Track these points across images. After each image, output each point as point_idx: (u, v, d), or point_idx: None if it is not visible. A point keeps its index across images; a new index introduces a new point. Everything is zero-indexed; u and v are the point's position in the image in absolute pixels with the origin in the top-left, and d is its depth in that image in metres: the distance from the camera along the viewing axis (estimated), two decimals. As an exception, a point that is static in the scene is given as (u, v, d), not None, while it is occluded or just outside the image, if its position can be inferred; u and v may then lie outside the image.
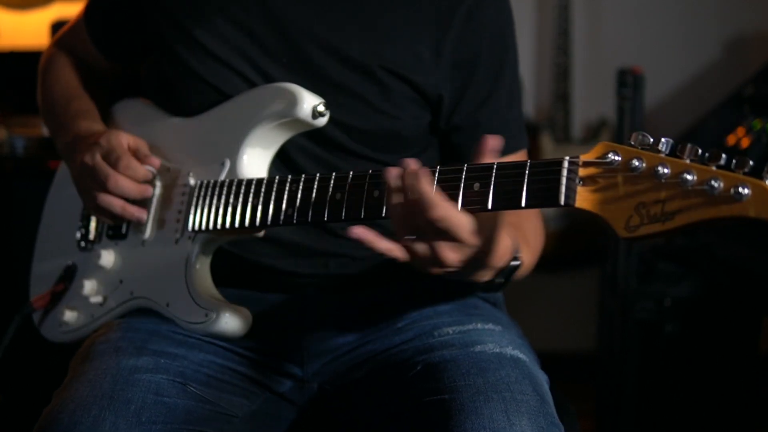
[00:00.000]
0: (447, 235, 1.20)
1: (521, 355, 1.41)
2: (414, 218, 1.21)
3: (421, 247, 1.22)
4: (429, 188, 1.19)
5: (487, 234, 1.23)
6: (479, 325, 1.48)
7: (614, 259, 2.70)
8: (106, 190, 1.51)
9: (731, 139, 2.60)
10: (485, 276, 1.31)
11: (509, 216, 1.39)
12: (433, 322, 1.52)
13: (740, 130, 2.58)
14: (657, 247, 2.90)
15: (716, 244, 2.70)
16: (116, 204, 1.52)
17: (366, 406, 1.50)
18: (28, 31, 3.14)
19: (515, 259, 1.35)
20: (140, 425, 1.33)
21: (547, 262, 3.34)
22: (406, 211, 1.22)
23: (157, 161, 1.54)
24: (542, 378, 1.42)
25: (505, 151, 1.57)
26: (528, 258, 1.45)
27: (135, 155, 1.54)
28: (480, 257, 1.25)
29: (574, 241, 3.36)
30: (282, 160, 1.52)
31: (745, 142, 2.55)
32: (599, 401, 2.90)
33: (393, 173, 1.23)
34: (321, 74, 1.51)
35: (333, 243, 1.56)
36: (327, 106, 1.45)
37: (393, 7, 1.52)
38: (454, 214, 1.19)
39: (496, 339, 1.44)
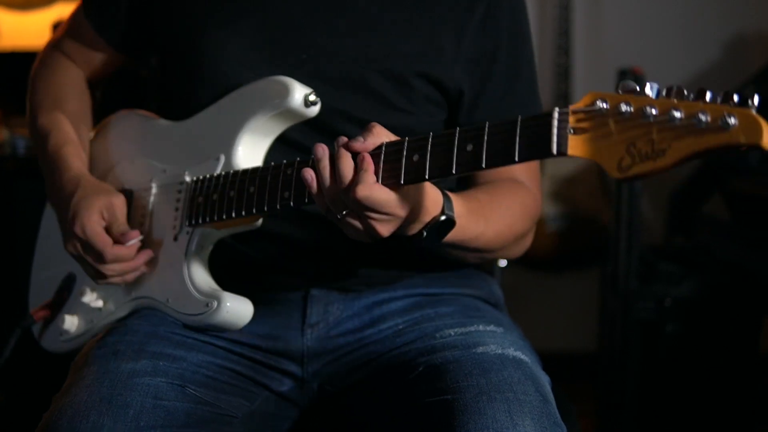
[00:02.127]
0: (374, 211, 1.25)
1: (523, 357, 1.41)
2: (341, 198, 1.27)
3: (353, 222, 1.28)
4: (349, 169, 1.25)
5: (414, 198, 1.28)
6: (481, 327, 1.48)
7: (615, 259, 2.71)
8: (104, 276, 1.51)
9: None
10: (413, 229, 1.32)
11: (478, 192, 1.44)
12: (434, 323, 1.52)
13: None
14: (658, 247, 2.91)
15: (716, 244, 2.71)
16: (128, 278, 1.53)
17: (367, 407, 1.50)
18: (30, 31, 3.15)
19: (443, 213, 1.34)
20: (139, 430, 1.33)
21: (547, 262, 3.39)
22: (332, 191, 1.27)
23: (136, 233, 1.52)
24: (544, 379, 1.43)
25: None
26: (478, 227, 1.44)
27: (113, 222, 1.52)
28: (409, 219, 1.29)
29: (574, 241, 3.36)
30: (288, 148, 1.53)
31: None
32: (600, 401, 2.90)
33: (320, 150, 1.28)
34: (337, 75, 1.52)
35: (336, 242, 1.56)
36: (318, 94, 1.46)
37: (411, 8, 1.53)
38: (376, 192, 1.24)
39: (498, 340, 1.44)
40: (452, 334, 1.47)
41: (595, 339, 3.10)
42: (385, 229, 1.28)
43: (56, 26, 2.81)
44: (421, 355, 1.44)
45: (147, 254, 1.53)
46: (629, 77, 2.62)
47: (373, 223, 1.27)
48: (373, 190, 1.24)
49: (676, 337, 2.65)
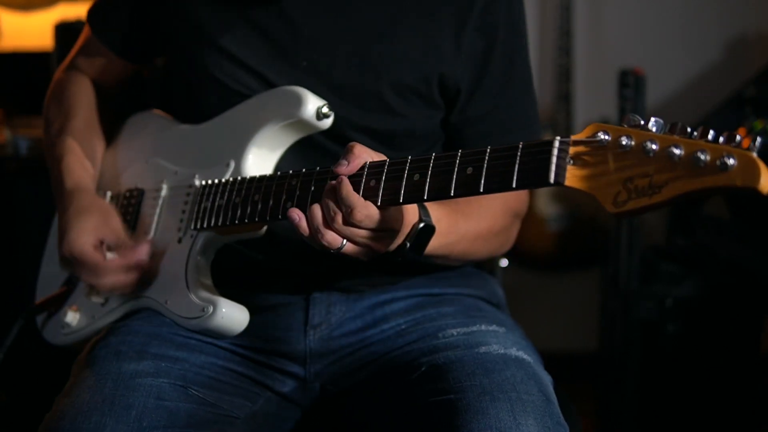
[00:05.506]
0: (372, 230, 1.27)
1: (526, 356, 1.42)
2: (338, 228, 1.27)
3: (353, 249, 1.30)
4: (352, 193, 1.26)
5: (396, 210, 1.29)
6: (483, 327, 1.49)
7: (616, 259, 2.71)
8: (105, 288, 1.52)
9: (732, 138, 2.60)
10: (395, 243, 1.33)
11: (458, 204, 1.45)
12: (437, 324, 1.52)
13: (741, 131, 2.59)
14: (658, 247, 2.91)
15: (717, 244, 2.71)
16: (127, 287, 1.52)
17: (370, 407, 1.50)
18: (32, 32, 3.15)
19: (421, 220, 1.34)
20: (141, 430, 1.33)
21: (548, 262, 3.39)
22: (328, 226, 1.28)
23: (144, 248, 1.51)
24: (547, 379, 1.43)
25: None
26: (458, 226, 1.46)
27: (113, 242, 1.52)
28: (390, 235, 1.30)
29: (575, 242, 3.36)
30: (300, 159, 1.53)
31: (746, 143, 2.55)
32: (601, 401, 2.91)
33: (296, 216, 1.31)
34: (338, 80, 1.52)
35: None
36: (331, 107, 1.46)
37: (410, 10, 1.53)
38: (373, 211, 1.25)
39: (500, 340, 1.44)
40: (454, 334, 1.47)
41: (596, 339, 3.10)
42: (383, 245, 1.29)
43: (58, 27, 2.81)
44: (423, 355, 1.45)
45: (137, 272, 1.52)
46: (630, 77, 2.62)
47: (371, 242, 1.28)
48: (370, 209, 1.25)
49: (676, 337, 2.65)
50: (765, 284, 2.60)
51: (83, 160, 1.65)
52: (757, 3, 3.34)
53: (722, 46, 3.38)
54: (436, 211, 1.37)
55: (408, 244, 1.32)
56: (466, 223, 1.48)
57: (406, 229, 1.31)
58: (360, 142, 1.53)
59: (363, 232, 1.26)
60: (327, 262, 1.57)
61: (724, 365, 2.67)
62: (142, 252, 1.49)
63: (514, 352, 1.41)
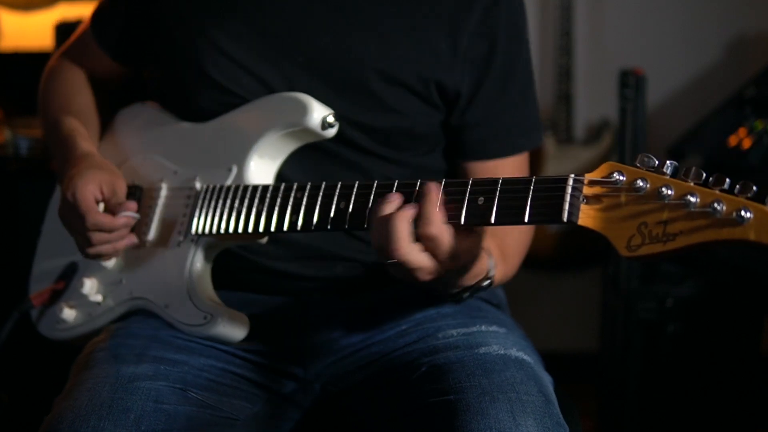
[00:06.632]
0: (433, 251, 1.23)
1: (526, 357, 1.42)
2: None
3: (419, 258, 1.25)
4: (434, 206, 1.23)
5: (467, 256, 1.27)
6: (483, 327, 1.49)
7: (616, 259, 2.71)
8: (91, 244, 1.51)
9: (733, 140, 2.61)
10: (453, 289, 1.35)
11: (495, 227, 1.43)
12: (437, 324, 1.52)
13: (742, 131, 2.59)
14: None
15: (718, 244, 2.71)
16: (106, 252, 1.52)
17: (370, 408, 1.50)
18: (32, 32, 3.15)
19: (487, 278, 1.39)
20: None
21: (549, 262, 3.40)
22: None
23: (133, 204, 1.52)
24: (547, 379, 1.43)
25: (522, 148, 1.59)
26: (502, 272, 1.50)
27: (110, 198, 1.52)
28: (455, 276, 1.30)
29: (576, 242, 3.36)
30: (299, 156, 1.53)
31: (747, 143, 2.55)
32: (601, 401, 2.91)
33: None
34: (334, 77, 1.52)
35: (341, 246, 1.57)
36: (336, 117, 1.46)
37: (409, 8, 1.53)
38: (445, 234, 1.23)
39: (500, 341, 1.44)
40: (455, 334, 1.47)
41: (597, 339, 3.11)
42: (431, 272, 1.26)
43: (58, 27, 2.81)
44: (423, 355, 1.45)
45: (131, 239, 1.52)
46: (631, 78, 2.62)
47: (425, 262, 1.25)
48: (443, 230, 1.23)
49: (677, 337, 2.65)
50: (765, 284, 2.60)
51: (89, 139, 1.66)
52: (757, 3, 3.34)
53: (722, 46, 3.38)
54: (492, 247, 1.41)
55: (465, 296, 1.37)
56: (505, 270, 1.54)
57: (467, 281, 1.34)
58: (358, 140, 1.53)
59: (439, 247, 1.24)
60: (330, 264, 1.58)
61: (724, 365, 2.67)
62: (131, 207, 1.50)
63: (514, 352, 1.41)
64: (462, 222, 1.21)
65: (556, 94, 3.34)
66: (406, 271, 1.25)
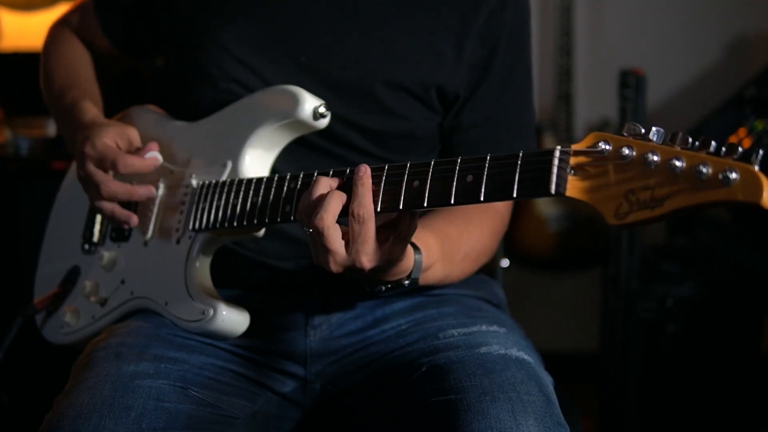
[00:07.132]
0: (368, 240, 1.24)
1: (526, 357, 1.42)
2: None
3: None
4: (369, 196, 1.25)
5: (384, 257, 1.27)
6: (484, 327, 1.49)
7: (617, 259, 2.71)
8: (102, 197, 1.52)
9: (733, 140, 2.60)
10: (367, 280, 1.34)
11: (451, 227, 1.45)
12: (437, 324, 1.52)
13: (742, 131, 2.59)
14: (659, 247, 2.91)
15: (717, 244, 2.71)
16: (107, 209, 1.53)
17: (370, 407, 1.50)
18: (32, 32, 3.14)
19: (409, 278, 1.36)
20: None
21: (549, 262, 3.40)
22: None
23: (155, 144, 1.55)
24: (547, 379, 1.43)
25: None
26: (442, 273, 1.47)
27: (129, 149, 1.54)
28: (383, 269, 1.29)
29: (576, 242, 3.36)
30: (297, 158, 1.53)
31: (747, 143, 2.55)
32: (601, 401, 2.91)
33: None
34: (337, 78, 1.52)
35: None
36: (328, 107, 1.46)
37: (412, 11, 1.53)
38: (371, 220, 1.24)
39: (500, 341, 1.44)
40: (455, 334, 1.47)
41: (597, 339, 3.11)
42: (368, 262, 1.26)
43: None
44: (424, 355, 1.45)
45: (148, 189, 1.53)
46: (630, 78, 2.62)
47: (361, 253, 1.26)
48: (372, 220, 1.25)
49: (677, 337, 2.66)
50: (765, 284, 2.60)
51: (96, 106, 1.67)
52: (757, 3, 3.35)
53: (722, 46, 3.38)
54: (430, 256, 1.39)
55: (383, 288, 1.36)
56: (452, 264, 1.49)
57: (390, 276, 1.33)
58: (357, 142, 1.53)
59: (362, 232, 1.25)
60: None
61: (724, 365, 2.68)
62: (153, 147, 1.53)
63: (514, 352, 1.41)
64: (452, 201, 1.21)
65: (556, 94, 3.34)
66: (320, 247, 1.25)
